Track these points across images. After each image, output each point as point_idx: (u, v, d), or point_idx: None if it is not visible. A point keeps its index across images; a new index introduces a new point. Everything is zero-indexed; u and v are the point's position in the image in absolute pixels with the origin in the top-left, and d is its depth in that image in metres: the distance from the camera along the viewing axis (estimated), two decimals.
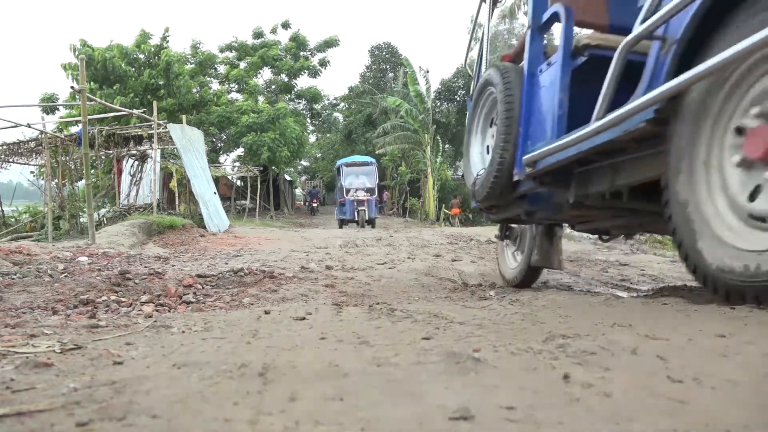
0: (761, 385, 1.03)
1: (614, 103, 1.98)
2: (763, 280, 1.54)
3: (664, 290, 3.47)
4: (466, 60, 4.25)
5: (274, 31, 26.48)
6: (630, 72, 1.99)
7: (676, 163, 1.86)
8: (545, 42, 2.84)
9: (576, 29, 2.69)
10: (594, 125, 2.02)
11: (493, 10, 3.69)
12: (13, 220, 12.17)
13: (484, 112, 3.48)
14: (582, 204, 2.61)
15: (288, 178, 33.70)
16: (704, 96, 1.75)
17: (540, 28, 2.83)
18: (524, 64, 2.89)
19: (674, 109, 1.84)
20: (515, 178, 2.87)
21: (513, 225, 4.03)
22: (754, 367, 1.14)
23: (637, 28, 1.93)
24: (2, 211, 12.21)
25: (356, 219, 19.42)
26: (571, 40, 2.51)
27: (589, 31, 2.82)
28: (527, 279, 3.86)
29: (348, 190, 19.96)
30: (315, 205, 33.22)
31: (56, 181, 11.73)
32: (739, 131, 1.67)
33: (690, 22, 1.75)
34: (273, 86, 27.23)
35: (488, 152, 3.26)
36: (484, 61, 3.74)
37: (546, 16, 2.74)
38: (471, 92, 3.69)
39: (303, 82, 29.72)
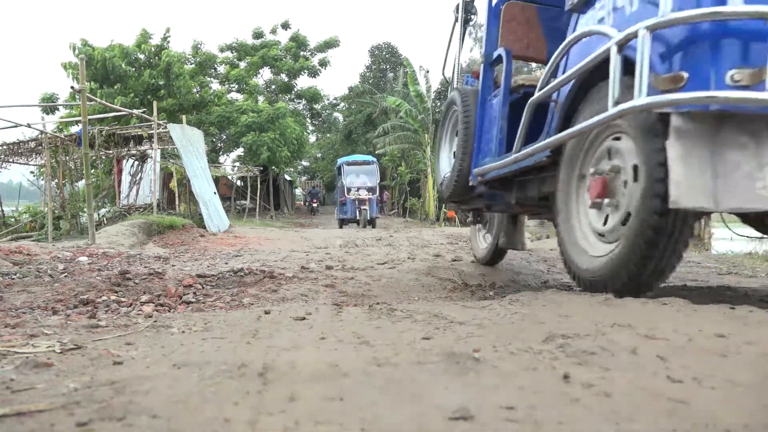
0: (761, 385, 1.03)
1: (533, 132, 2.68)
2: (597, 275, 2.25)
3: (665, 290, 3.47)
4: (443, 70, 4.69)
5: (274, 31, 26.48)
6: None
7: (560, 187, 2.57)
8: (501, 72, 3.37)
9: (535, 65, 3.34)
10: (514, 156, 2.73)
11: (464, 31, 4.21)
12: (13, 220, 12.17)
13: (450, 124, 4.11)
14: (524, 203, 3.27)
15: (288, 178, 33.71)
16: (574, 149, 2.47)
17: (491, 64, 3.44)
18: (479, 91, 3.51)
19: (560, 152, 2.55)
20: (471, 184, 3.51)
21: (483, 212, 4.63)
22: (754, 367, 1.14)
23: (537, 93, 2.58)
24: (2, 211, 12.20)
25: (357, 218, 19.31)
26: (510, 78, 3.15)
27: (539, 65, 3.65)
28: (495, 257, 4.60)
29: (349, 189, 19.84)
30: (315, 205, 33.23)
31: (56, 181, 11.73)
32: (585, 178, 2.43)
33: (568, 94, 2.42)
34: (273, 86, 27.23)
35: (454, 157, 3.83)
36: (455, 77, 4.35)
37: (494, 56, 3.34)
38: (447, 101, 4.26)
39: (303, 82, 29.75)
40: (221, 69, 25.60)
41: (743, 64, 1.61)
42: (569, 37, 2.38)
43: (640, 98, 1.68)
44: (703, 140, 1.69)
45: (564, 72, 2.42)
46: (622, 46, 1.86)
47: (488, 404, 0.96)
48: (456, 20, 4.19)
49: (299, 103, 28.91)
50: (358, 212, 19.22)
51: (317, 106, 30.13)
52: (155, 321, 2.21)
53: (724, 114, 1.66)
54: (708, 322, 1.60)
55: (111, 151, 13.01)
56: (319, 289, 3.63)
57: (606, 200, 2.23)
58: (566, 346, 1.35)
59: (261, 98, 25.33)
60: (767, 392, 1.00)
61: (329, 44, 26.64)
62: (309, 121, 30.50)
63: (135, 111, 12.72)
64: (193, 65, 22.84)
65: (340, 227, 19.09)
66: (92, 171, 12.49)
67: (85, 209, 9.25)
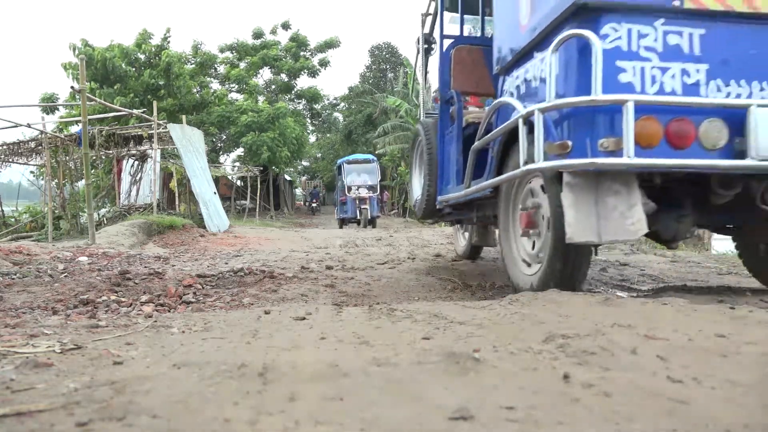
0: (761, 385, 1.03)
1: (482, 166, 3.17)
2: (529, 288, 2.75)
3: (666, 290, 3.47)
4: (411, 93, 5.43)
5: (274, 31, 26.47)
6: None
7: (501, 217, 3.10)
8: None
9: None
10: (465, 191, 3.30)
11: (427, 60, 4.73)
12: (13, 220, 12.17)
13: (417, 153, 4.67)
14: (484, 219, 3.90)
15: (288, 178, 33.69)
16: (508, 188, 3.00)
17: (446, 102, 3.90)
18: (438, 124, 4.04)
19: (499, 190, 3.06)
20: (438, 207, 4.07)
21: None
22: (754, 367, 1.14)
23: (476, 142, 3.13)
24: (2, 211, 12.21)
25: (358, 218, 19.21)
26: (461, 118, 3.66)
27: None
28: (473, 253, 5.31)
29: (350, 188, 19.71)
30: (315, 205, 33.21)
31: (56, 181, 11.73)
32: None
33: (498, 147, 2.93)
34: (273, 86, 27.22)
35: (423, 180, 4.35)
36: (421, 107, 4.99)
37: (447, 96, 3.87)
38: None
39: (303, 82, 29.73)
40: (221, 69, 25.60)
41: (609, 135, 2.12)
42: (494, 103, 3.02)
43: (539, 162, 2.24)
44: (588, 190, 2.19)
45: (497, 125, 2.91)
46: (525, 119, 2.38)
47: (488, 404, 0.96)
48: (418, 51, 4.67)
49: (299, 103, 28.89)
50: (358, 211, 19.10)
51: (317, 106, 30.10)
52: (155, 321, 2.21)
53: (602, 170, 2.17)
54: (708, 322, 1.60)
55: (111, 151, 13.01)
56: (319, 289, 3.63)
57: (531, 230, 2.75)
58: (566, 346, 1.35)
59: (261, 98, 25.32)
60: (767, 392, 1.00)
61: (329, 44, 26.63)
62: (309, 121, 30.47)
63: (135, 111, 12.72)
64: (193, 65, 22.83)
65: (341, 227, 19.02)
66: (92, 171, 12.49)
67: (85, 209, 9.25)
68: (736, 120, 2.10)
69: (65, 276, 3.83)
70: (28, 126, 10.27)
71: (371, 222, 19.15)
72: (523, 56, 2.74)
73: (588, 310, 2.02)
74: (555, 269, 2.52)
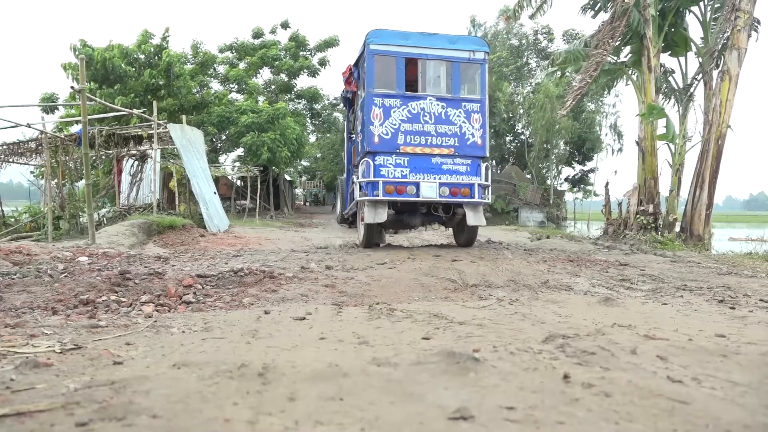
0: (761, 385, 1.03)
1: (353, 199, 7.33)
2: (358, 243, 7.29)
3: (666, 289, 3.47)
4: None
5: (273, 31, 26.45)
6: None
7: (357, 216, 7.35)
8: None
9: None
10: (344, 211, 8.44)
11: (350, 109, 8.06)
12: (13, 220, 12.17)
13: (339, 191, 9.19)
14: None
15: (288, 178, 33.68)
16: (355, 206, 7.20)
17: (348, 169, 7.97)
18: (346, 177, 8.45)
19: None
20: (345, 216, 8.31)
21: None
22: (754, 367, 1.14)
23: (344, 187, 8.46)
24: (2, 211, 12.21)
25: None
26: (350, 178, 7.41)
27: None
28: (368, 243, 7.12)
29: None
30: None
31: (56, 181, 11.72)
32: None
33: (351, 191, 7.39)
34: (273, 86, 27.20)
35: (340, 203, 9.01)
36: (345, 158, 8.63)
37: (349, 166, 7.91)
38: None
39: (303, 81, 29.69)
40: (221, 69, 25.57)
41: (377, 190, 6.33)
42: (353, 178, 7.27)
43: (358, 198, 6.54)
44: (371, 205, 6.28)
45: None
46: (358, 183, 6.50)
47: (488, 404, 0.96)
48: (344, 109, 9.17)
49: (299, 103, 28.86)
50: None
51: (317, 106, 30.08)
52: (155, 321, 2.21)
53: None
54: (708, 322, 1.60)
55: (111, 151, 13.01)
56: (319, 289, 3.63)
57: (360, 220, 6.93)
58: (566, 346, 1.35)
59: (261, 98, 25.29)
60: (767, 392, 1.00)
61: (329, 44, 26.60)
62: (309, 121, 30.45)
63: (135, 111, 12.71)
64: (192, 65, 22.81)
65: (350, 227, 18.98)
66: (92, 171, 12.48)
67: (85, 209, 9.24)
68: (417, 185, 6.29)
69: (65, 276, 3.83)
70: (28, 126, 10.27)
71: None
72: (359, 163, 6.67)
73: (588, 310, 2.02)
74: (365, 235, 6.74)
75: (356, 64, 7.05)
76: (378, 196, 6.05)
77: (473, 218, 6.33)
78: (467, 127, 6.42)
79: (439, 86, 6.65)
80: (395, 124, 6.27)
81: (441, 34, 6.80)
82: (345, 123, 8.00)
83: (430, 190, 6.15)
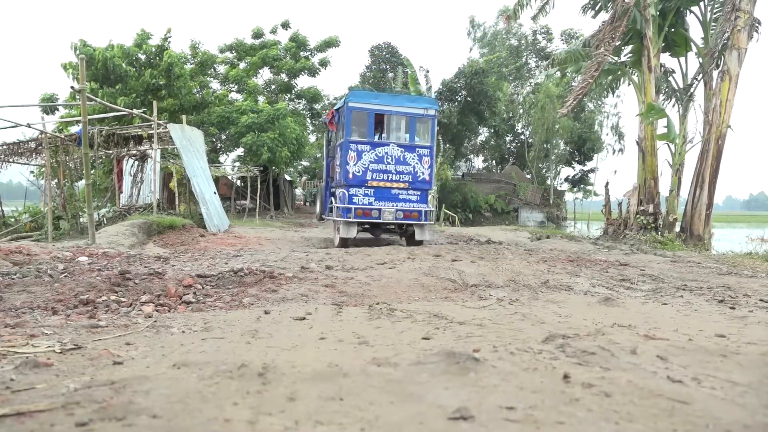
0: (761, 385, 1.03)
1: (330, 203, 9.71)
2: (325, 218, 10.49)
3: (666, 289, 3.47)
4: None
5: (274, 31, 26.43)
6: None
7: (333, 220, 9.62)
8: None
9: None
10: (321, 212, 11.24)
11: (330, 136, 10.23)
12: (13, 220, 12.16)
13: (319, 195, 11.33)
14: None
15: (288, 178, 33.66)
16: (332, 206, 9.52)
17: (327, 156, 10.42)
18: (325, 186, 10.68)
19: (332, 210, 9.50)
20: (323, 217, 10.71)
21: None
22: (754, 367, 1.14)
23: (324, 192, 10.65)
24: (2, 211, 12.20)
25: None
26: (329, 186, 10.24)
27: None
28: (343, 243, 8.58)
29: None
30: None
31: (56, 181, 11.72)
32: None
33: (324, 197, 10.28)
34: (273, 86, 27.18)
35: (320, 204, 11.13)
36: (324, 172, 10.75)
37: (328, 177, 10.25)
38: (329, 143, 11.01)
39: (303, 81, 29.67)
40: (221, 69, 25.55)
41: (349, 213, 8.44)
42: (321, 185, 10.93)
43: (336, 221, 9.02)
44: (346, 224, 8.46)
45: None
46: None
47: (488, 404, 0.96)
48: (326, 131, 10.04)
49: (299, 103, 28.84)
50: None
51: (317, 106, 30.07)
52: (155, 321, 2.21)
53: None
54: (708, 322, 1.60)
55: (111, 151, 13.00)
56: (319, 289, 3.63)
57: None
58: (566, 346, 1.35)
59: (261, 98, 25.27)
60: (767, 392, 1.00)
61: (329, 44, 26.58)
62: (309, 121, 30.43)
63: (135, 111, 12.71)
64: (192, 65, 22.79)
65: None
66: (92, 171, 12.47)
67: (85, 209, 9.24)
68: (380, 210, 8.42)
69: (65, 276, 3.83)
70: (28, 126, 10.27)
71: None
72: (336, 191, 8.85)
73: (588, 310, 2.02)
74: (340, 242, 8.63)
75: (338, 110, 9.39)
76: (350, 218, 8.28)
77: (420, 234, 8.70)
78: (419, 167, 8.62)
79: (399, 135, 8.78)
80: (365, 164, 8.46)
81: (403, 95, 9.35)
82: (326, 145, 10.63)
83: (389, 214, 8.42)
